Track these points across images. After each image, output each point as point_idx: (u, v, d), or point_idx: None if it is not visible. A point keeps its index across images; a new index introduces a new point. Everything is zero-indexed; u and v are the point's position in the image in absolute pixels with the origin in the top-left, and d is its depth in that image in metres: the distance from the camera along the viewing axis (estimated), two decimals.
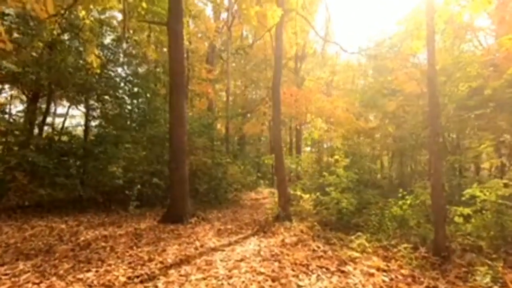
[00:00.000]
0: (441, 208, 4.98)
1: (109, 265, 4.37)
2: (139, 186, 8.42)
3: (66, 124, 13.63)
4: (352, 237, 5.84)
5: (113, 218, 8.29)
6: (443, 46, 17.00)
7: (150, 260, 4.64)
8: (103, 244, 5.53)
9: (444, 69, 12.33)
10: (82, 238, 5.94)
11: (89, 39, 8.79)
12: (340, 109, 14.59)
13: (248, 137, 18.16)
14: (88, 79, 10.20)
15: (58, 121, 15.37)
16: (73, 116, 16.77)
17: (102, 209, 9.42)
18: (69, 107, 14.05)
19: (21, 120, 11.18)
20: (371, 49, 19.63)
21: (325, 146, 17.72)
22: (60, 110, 19.47)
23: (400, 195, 5.85)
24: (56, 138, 11.51)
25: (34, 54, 9.00)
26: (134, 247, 5.35)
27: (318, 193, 7.99)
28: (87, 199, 9.81)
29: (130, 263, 4.47)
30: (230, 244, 5.81)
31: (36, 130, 11.36)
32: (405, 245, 4.98)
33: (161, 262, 4.51)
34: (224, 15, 21.78)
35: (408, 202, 5.70)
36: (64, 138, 11.33)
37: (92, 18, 8.62)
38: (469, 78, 10.98)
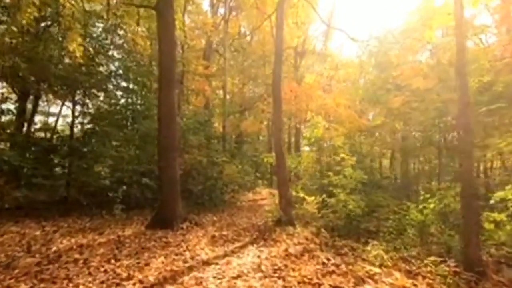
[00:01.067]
0: (474, 213, 4.22)
1: (76, 285, 3.57)
2: (124, 187, 7.64)
3: (61, 123, 12.81)
4: (367, 247, 5.07)
5: (97, 222, 7.47)
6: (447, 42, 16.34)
7: (129, 278, 3.84)
8: (76, 256, 4.72)
9: (453, 64, 11.65)
10: (54, 248, 5.13)
11: (71, 25, 7.98)
12: (342, 106, 13.83)
13: (246, 136, 17.33)
14: (72, 71, 9.37)
15: (52, 120, 14.61)
16: (67, 115, 15.93)
17: (86, 213, 8.59)
18: (62, 105, 13.25)
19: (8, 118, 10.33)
20: (376, 41, 18.91)
21: (325, 145, 16.92)
22: (54, 109, 18.70)
23: (421, 197, 5.09)
24: (41, 135, 10.76)
25: (8, 40, 8.16)
26: (113, 260, 4.55)
27: (324, 195, 7.22)
28: (71, 202, 9.02)
29: (102, 282, 3.68)
30: (225, 255, 5.03)
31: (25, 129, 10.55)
32: (432, 258, 4.21)
33: (141, 281, 3.71)
34: (221, 10, 21.05)
35: (432, 206, 4.95)
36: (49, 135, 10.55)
37: (73, 2, 7.79)
38: (482, 71, 10.28)
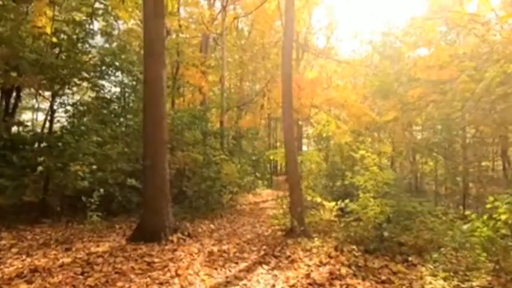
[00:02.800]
0: None
1: None
2: (102, 190, 6.32)
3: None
4: (413, 270, 3.81)
5: (69, 233, 6.15)
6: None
7: None
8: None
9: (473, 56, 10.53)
10: None
11: None
12: (351, 101, 12.59)
13: (245, 131, 15.96)
14: (44, 54, 8.01)
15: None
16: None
17: (61, 220, 7.28)
18: (36, 95, 11.87)
19: None
20: (381, 35, 17.79)
21: (331, 142, 15.70)
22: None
23: (488, 205, 3.84)
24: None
25: None
26: None
27: (344, 200, 5.94)
28: (45, 206, 7.68)
29: None
30: (227, 282, 3.74)
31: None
32: None
33: None
34: (218, 3, 19.76)
35: (504, 217, 3.70)
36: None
37: None
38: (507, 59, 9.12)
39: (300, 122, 18.88)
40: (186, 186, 8.91)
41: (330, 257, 4.69)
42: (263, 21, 20.07)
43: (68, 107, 9.47)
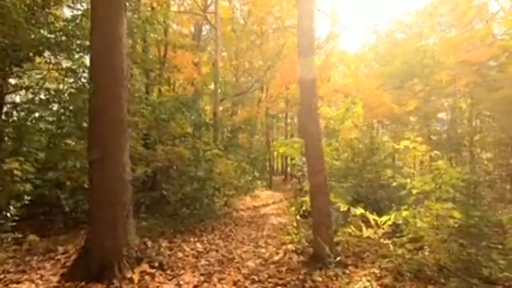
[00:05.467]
0: None
1: None
2: (28, 199, 4.33)
3: None
4: None
5: None
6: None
7: None
8: None
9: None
10: None
11: None
12: (368, 87, 10.67)
13: (242, 123, 13.85)
14: None
15: None
16: None
17: None
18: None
19: None
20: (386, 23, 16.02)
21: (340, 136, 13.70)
22: None
23: None
24: None
25: None
26: None
27: (404, 209, 3.95)
28: None
29: None
30: None
31: None
32: None
33: None
34: None
35: None
36: None
37: None
38: None
39: None
40: (168, 189, 6.85)
41: None
42: (262, 5, 18.20)
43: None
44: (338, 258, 3.76)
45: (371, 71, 16.02)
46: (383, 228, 3.92)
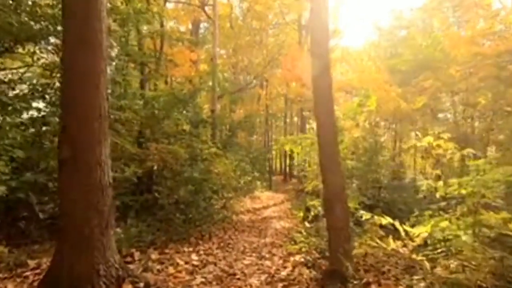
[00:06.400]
0: None
1: None
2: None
3: None
4: None
5: None
6: None
7: None
8: None
9: None
10: None
11: None
12: (378, 81, 10.02)
13: (242, 120, 13.16)
14: None
15: None
16: None
17: None
18: None
19: None
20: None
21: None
22: None
23: None
24: None
25: None
26: None
27: (443, 219, 3.31)
28: None
29: None
30: None
31: None
32: None
33: None
34: None
35: None
36: None
37: None
38: None
39: (304, 113, 16.34)
40: (160, 192, 6.20)
41: None
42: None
43: None
44: (360, 278, 3.13)
45: (376, 67, 15.49)
46: (414, 241, 3.29)
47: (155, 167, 6.94)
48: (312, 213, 5.24)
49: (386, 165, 9.05)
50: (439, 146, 4.58)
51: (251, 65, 20.13)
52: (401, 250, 3.38)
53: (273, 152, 24.82)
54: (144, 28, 10.49)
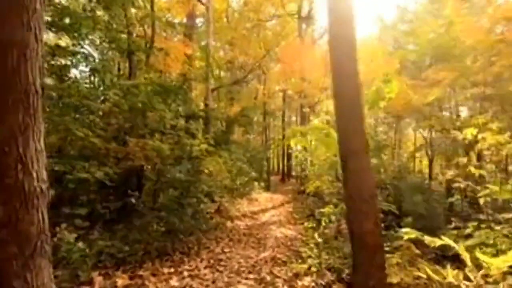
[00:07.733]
0: None
1: None
2: None
3: None
4: None
5: None
6: None
7: None
8: None
9: None
10: None
11: None
12: (387, 71, 9.11)
13: (239, 113, 12.14)
14: None
15: None
16: None
17: None
18: None
19: None
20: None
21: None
22: None
23: None
24: None
25: None
26: None
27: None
28: None
29: None
30: None
31: None
32: None
33: None
34: None
35: None
36: None
37: None
38: None
39: (304, 109, 15.38)
40: (139, 197, 5.18)
41: None
42: None
43: None
44: None
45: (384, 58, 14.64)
46: (490, 276, 2.31)
47: (134, 167, 5.93)
48: (324, 224, 4.29)
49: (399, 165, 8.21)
50: (484, 139, 3.63)
51: (248, 58, 19.15)
52: (462, 286, 2.39)
53: (271, 152, 23.91)
54: (133, 11, 9.49)
